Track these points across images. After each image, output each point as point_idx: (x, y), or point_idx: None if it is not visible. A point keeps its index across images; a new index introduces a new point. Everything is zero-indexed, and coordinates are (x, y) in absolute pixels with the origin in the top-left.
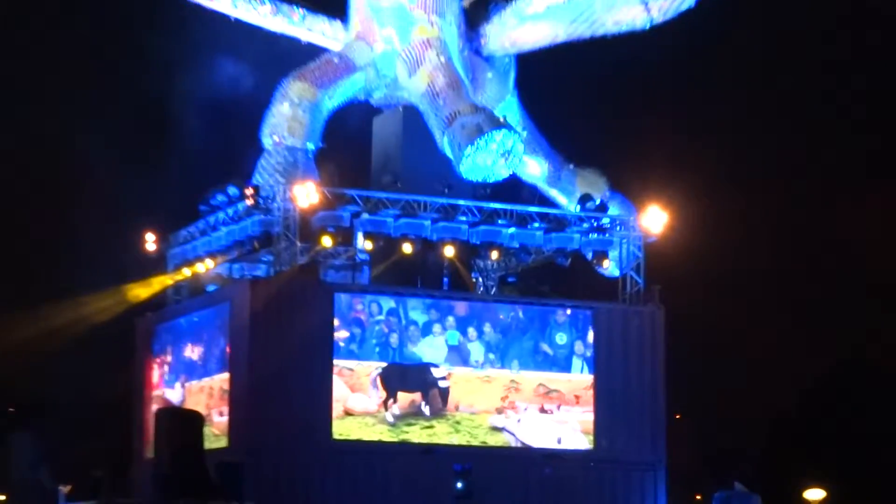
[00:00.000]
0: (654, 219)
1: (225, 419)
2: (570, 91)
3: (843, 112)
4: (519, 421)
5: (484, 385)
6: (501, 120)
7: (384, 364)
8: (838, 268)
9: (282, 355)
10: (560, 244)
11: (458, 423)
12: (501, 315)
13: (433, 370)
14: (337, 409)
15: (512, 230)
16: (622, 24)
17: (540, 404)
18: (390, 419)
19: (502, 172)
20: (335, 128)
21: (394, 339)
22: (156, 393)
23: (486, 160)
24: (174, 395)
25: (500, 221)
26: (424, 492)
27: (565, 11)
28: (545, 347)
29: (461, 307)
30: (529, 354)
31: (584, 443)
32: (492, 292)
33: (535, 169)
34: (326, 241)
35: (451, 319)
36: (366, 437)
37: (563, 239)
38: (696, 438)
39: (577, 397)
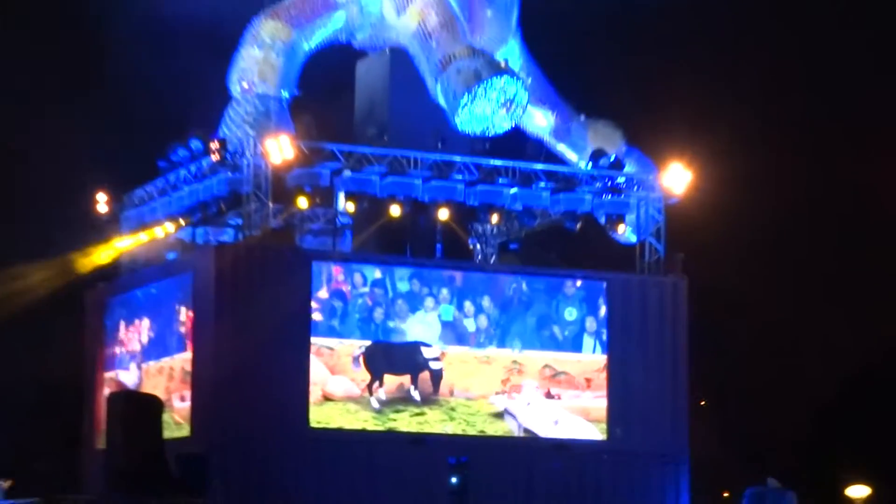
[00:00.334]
0: (677, 178)
1: (187, 405)
2: (581, 32)
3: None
4: (523, 406)
5: (482, 367)
6: (502, 65)
7: (368, 342)
8: (886, 234)
9: (251, 332)
10: (569, 206)
11: (452, 409)
12: (502, 287)
13: (424, 350)
14: (315, 393)
15: (514, 190)
16: None
17: (546, 388)
18: (375, 405)
19: (503, 124)
20: (313, 73)
21: (379, 313)
22: (108, 375)
23: (484, 110)
24: (129, 377)
25: (500, 180)
26: (414, 487)
27: None
28: (552, 325)
29: (456, 278)
30: (534, 332)
31: (595, 432)
32: (491, 261)
33: (540, 121)
34: (303, 203)
35: (444, 292)
36: (347, 426)
37: (572, 200)
38: (723, 428)
39: (587, 380)
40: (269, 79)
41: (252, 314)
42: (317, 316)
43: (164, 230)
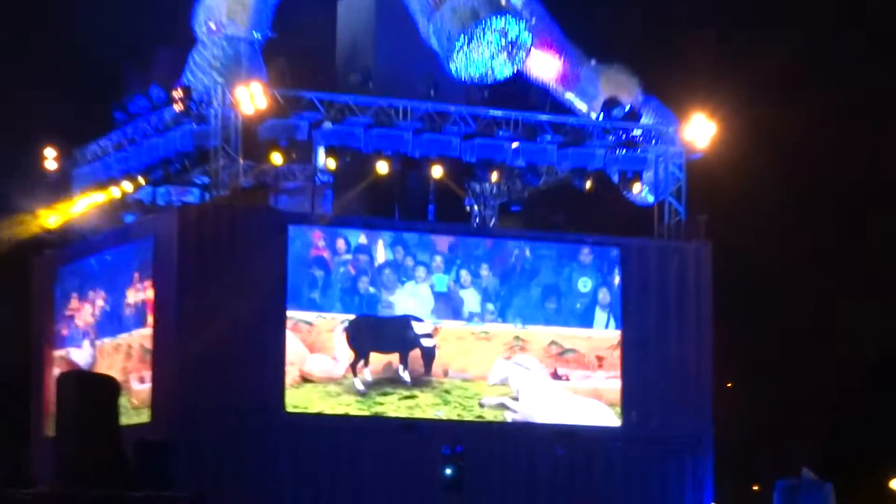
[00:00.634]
0: (699, 130)
1: (147, 387)
2: None
3: None
4: (525, 390)
5: (480, 344)
6: (503, 3)
7: (352, 317)
8: None
9: (219, 305)
10: (578, 162)
11: (446, 392)
12: (503, 254)
13: (415, 325)
14: (291, 374)
15: (516, 145)
16: None
17: (552, 368)
18: (360, 387)
19: (504, 70)
20: (289, 12)
21: (364, 284)
22: (58, 353)
23: (483, 54)
24: (82, 355)
25: (500, 133)
26: (403, 480)
27: None
28: (560, 297)
29: (451, 244)
30: (539, 304)
31: (608, 417)
32: (491, 224)
33: (546, 66)
34: (277, 159)
35: (438, 259)
36: (328, 411)
37: (581, 156)
38: (752, 412)
39: (599, 359)
40: (240, 19)
41: (220, 285)
42: (293, 287)
43: (121, 190)
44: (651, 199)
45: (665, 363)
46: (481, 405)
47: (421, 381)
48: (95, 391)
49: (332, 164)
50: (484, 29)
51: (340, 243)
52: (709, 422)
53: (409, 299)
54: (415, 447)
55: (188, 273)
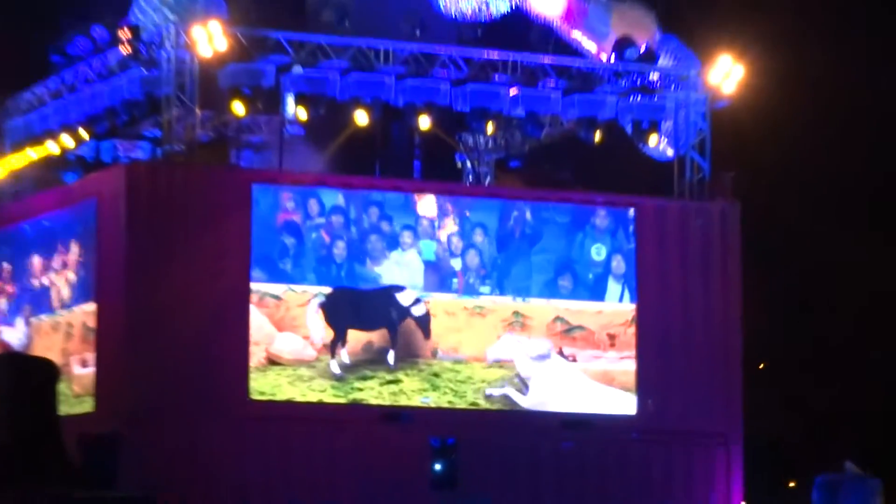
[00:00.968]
0: (726, 74)
1: (90, 371)
2: None
3: None
4: (536, 376)
5: (474, 321)
6: None
7: (328, 289)
8: None
9: (173, 277)
10: (586, 111)
11: (435, 375)
12: (500, 216)
13: (399, 296)
14: (257, 355)
15: (515, 91)
16: None
17: (557, 347)
18: (336, 370)
19: (499, 4)
20: None
21: (341, 251)
22: None
23: None
24: (14, 335)
25: (497, 78)
26: (386, 476)
27: None
28: (566, 265)
29: (440, 205)
30: (542, 274)
31: (621, 404)
32: (486, 183)
33: (549, 0)
34: (239, 109)
35: (425, 223)
36: (299, 398)
37: (590, 104)
38: (787, 397)
39: (611, 337)
40: None
41: (174, 254)
42: (259, 255)
43: (60, 145)
44: (670, 152)
45: (687, 341)
46: (488, 396)
47: (407, 362)
48: (30, 376)
49: (302, 114)
50: None
51: (313, 205)
52: (738, 409)
53: (396, 270)
54: (399, 439)
55: (137, 240)
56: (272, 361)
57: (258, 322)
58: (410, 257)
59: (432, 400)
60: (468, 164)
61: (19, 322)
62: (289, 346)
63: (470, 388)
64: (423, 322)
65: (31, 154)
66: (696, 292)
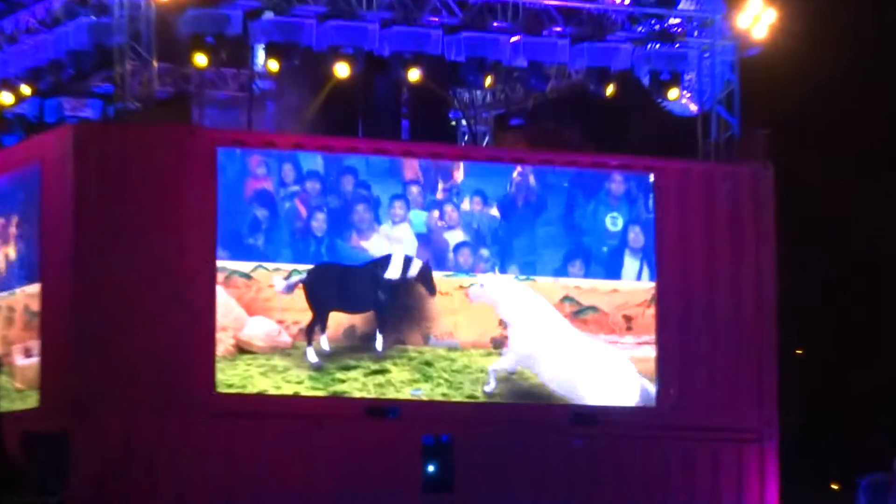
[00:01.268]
0: (756, 18)
1: (34, 361)
2: None
3: None
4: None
5: (471, 301)
6: None
7: (307, 267)
8: None
9: (128, 253)
10: (598, 61)
11: (427, 364)
12: (501, 181)
13: (389, 271)
14: (224, 342)
15: (517, 38)
16: None
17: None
18: (314, 359)
19: None
20: None
21: (320, 223)
22: None
23: None
24: None
25: (495, 24)
26: (372, 479)
27: None
28: (576, 238)
29: (430, 168)
30: (548, 248)
31: (639, 395)
32: (485, 143)
33: None
34: (202, 60)
35: (414, 191)
36: (272, 390)
37: (602, 52)
38: (827, 388)
39: (627, 319)
40: None
41: (128, 228)
42: (226, 229)
43: None
44: (693, 108)
45: (714, 324)
46: (492, 376)
47: (395, 349)
48: None
49: (274, 66)
50: None
51: (288, 171)
52: (773, 401)
53: (386, 245)
54: (387, 437)
55: (86, 212)
56: (242, 349)
57: (226, 305)
58: (402, 231)
59: (424, 392)
60: (463, 122)
61: None
62: (261, 331)
63: (467, 378)
64: (425, 277)
65: None
66: (724, 268)
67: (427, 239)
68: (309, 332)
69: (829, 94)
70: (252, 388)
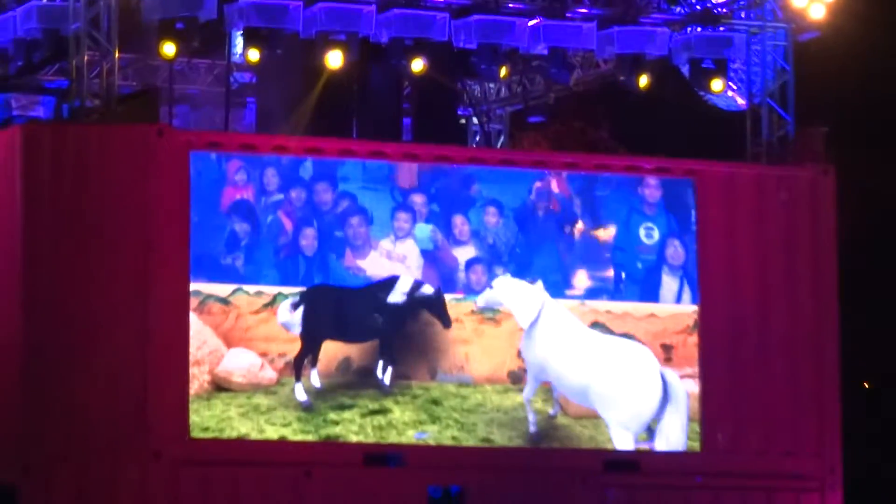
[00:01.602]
0: (812, 2)
1: None
2: None
3: None
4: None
5: (485, 329)
6: None
7: (298, 290)
8: None
9: (86, 276)
10: (629, 47)
11: (434, 403)
12: (518, 189)
13: (393, 295)
14: (199, 378)
15: (535, 22)
16: None
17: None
18: (303, 397)
19: None
20: None
21: (310, 240)
22: None
23: None
24: None
25: (511, 5)
26: None
27: None
28: (607, 253)
29: (437, 176)
30: (573, 266)
31: (682, 438)
32: (499, 144)
33: None
34: (170, 50)
35: (419, 200)
36: (255, 434)
37: (634, 38)
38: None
39: (666, 349)
40: None
41: (87, 245)
42: (200, 246)
43: None
44: (741, 101)
45: (767, 354)
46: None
47: (396, 387)
48: None
49: (255, 56)
50: None
51: (271, 177)
52: (836, 444)
53: (387, 264)
54: (388, 488)
55: (37, 227)
56: (219, 387)
57: (200, 335)
58: (407, 248)
59: (431, 435)
60: (474, 120)
61: None
62: (241, 365)
63: (481, 418)
64: (437, 306)
65: None
66: (777, 288)
67: (434, 256)
68: (297, 366)
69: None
70: (231, 432)
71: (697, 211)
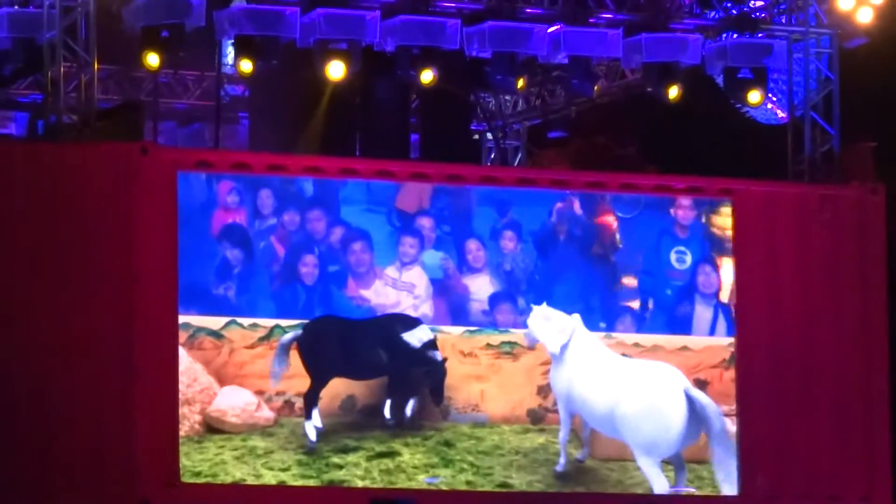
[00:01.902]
0: (859, 4)
1: None
2: None
3: None
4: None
5: (502, 365)
6: None
7: (298, 323)
8: None
9: (65, 308)
10: (658, 56)
11: (446, 445)
12: (536, 211)
13: (408, 334)
14: (189, 419)
15: (555, 28)
16: None
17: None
18: (313, 437)
19: None
20: None
21: (310, 268)
22: None
23: None
24: None
25: (528, 10)
26: None
27: None
28: (634, 281)
29: (448, 197)
30: (597, 294)
31: (716, 480)
32: (516, 162)
33: None
34: (154, 60)
35: (427, 224)
36: (251, 479)
37: (664, 45)
38: None
39: (701, 385)
40: None
41: (66, 274)
42: (190, 274)
43: None
44: (781, 114)
45: (810, 389)
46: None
47: (404, 427)
48: None
49: (247, 67)
50: None
51: (266, 199)
52: (887, 486)
53: (393, 294)
54: None
55: (9, 254)
56: (211, 428)
57: (190, 372)
58: (414, 276)
59: (443, 480)
60: (489, 135)
61: None
62: (235, 404)
63: (498, 461)
64: (437, 375)
65: None
66: (822, 317)
67: (443, 286)
68: (308, 403)
69: None
70: (225, 477)
71: (734, 233)
